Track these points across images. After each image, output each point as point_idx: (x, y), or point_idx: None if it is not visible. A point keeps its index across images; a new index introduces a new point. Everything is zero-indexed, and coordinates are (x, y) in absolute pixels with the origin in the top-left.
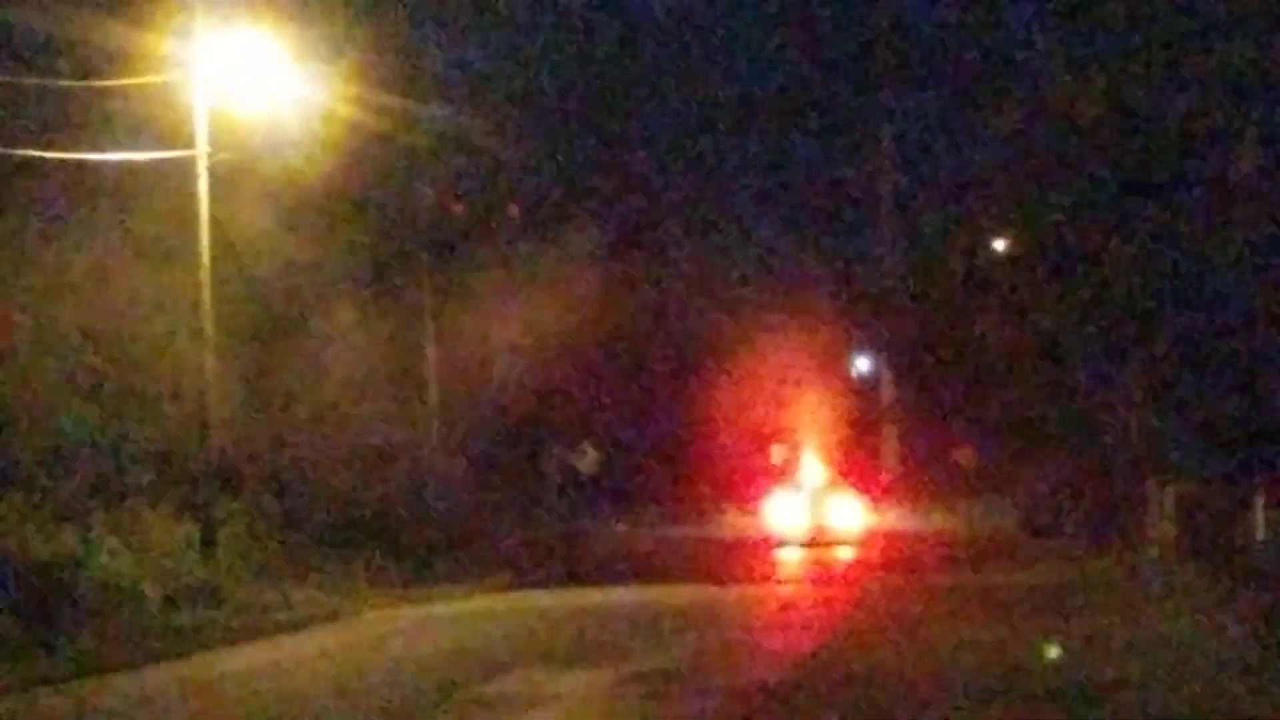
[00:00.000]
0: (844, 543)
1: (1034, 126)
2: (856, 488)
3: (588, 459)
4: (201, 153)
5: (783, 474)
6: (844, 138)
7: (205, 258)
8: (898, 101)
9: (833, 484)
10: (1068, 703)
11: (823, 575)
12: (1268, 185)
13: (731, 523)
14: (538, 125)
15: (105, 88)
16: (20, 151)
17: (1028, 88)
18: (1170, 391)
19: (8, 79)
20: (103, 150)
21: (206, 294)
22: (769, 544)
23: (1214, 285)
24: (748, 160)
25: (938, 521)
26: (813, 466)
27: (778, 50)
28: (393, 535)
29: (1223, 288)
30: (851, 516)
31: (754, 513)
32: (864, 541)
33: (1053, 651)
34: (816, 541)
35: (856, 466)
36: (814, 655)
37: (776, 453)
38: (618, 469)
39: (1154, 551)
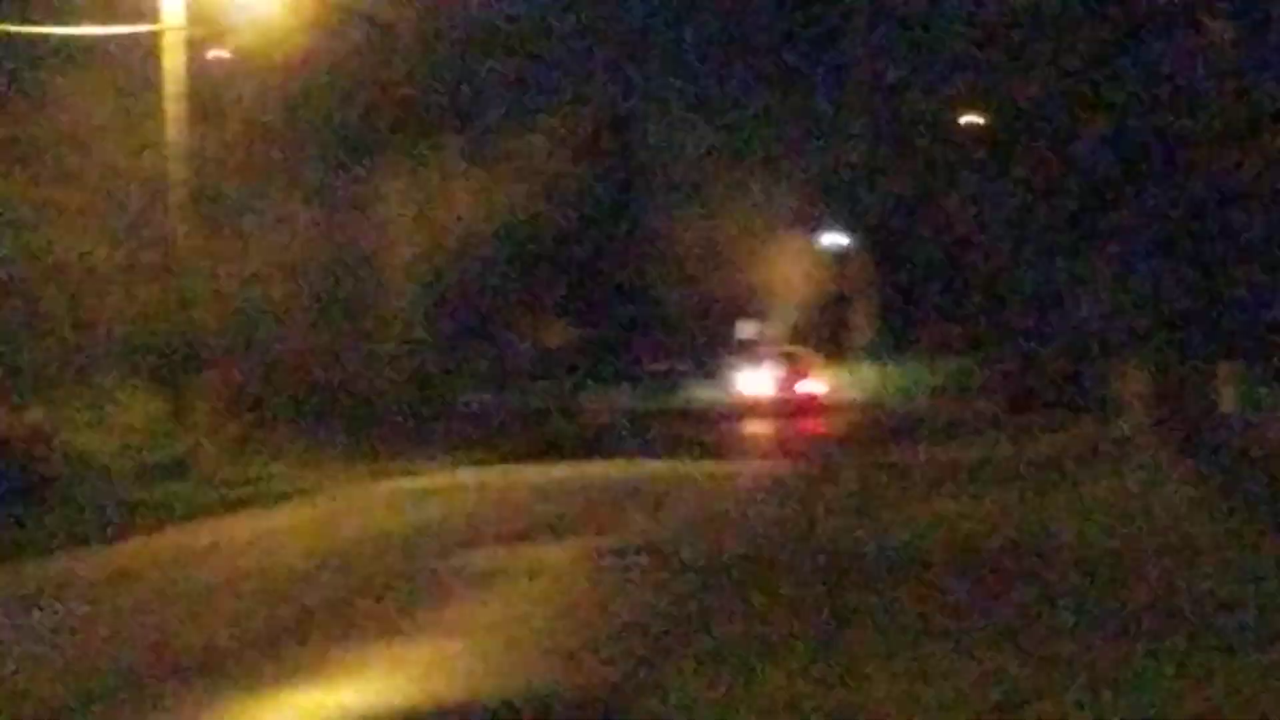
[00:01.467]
0: (809, 413)
1: (1005, 3)
2: (818, 362)
3: (555, 332)
4: (171, 26)
5: (749, 347)
6: (814, 13)
7: (175, 133)
8: None
9: (796, 356)
10: (1026, 572)
11: (796, 450)
12: (1238, 62)
13: (700, 395)
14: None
15: None
16: None
17: None
18: (1139, 268)
19: None
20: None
21: (177, 169)
22: (736, 415)
23: (1181, 162)
24: (717, 36)
25: (909, 396)
26: (776, 340)
27: None
28: (365, 410)
29: (1189, 164)
30: (815, 388)
31: (722, 385)
32: (833, 414)
33: (1009, 522)
34: (780, 412)
35: (824, 340)
36: (780, 527)
37: (742, 327)
38: (586, 342)
39: (1124, 425)
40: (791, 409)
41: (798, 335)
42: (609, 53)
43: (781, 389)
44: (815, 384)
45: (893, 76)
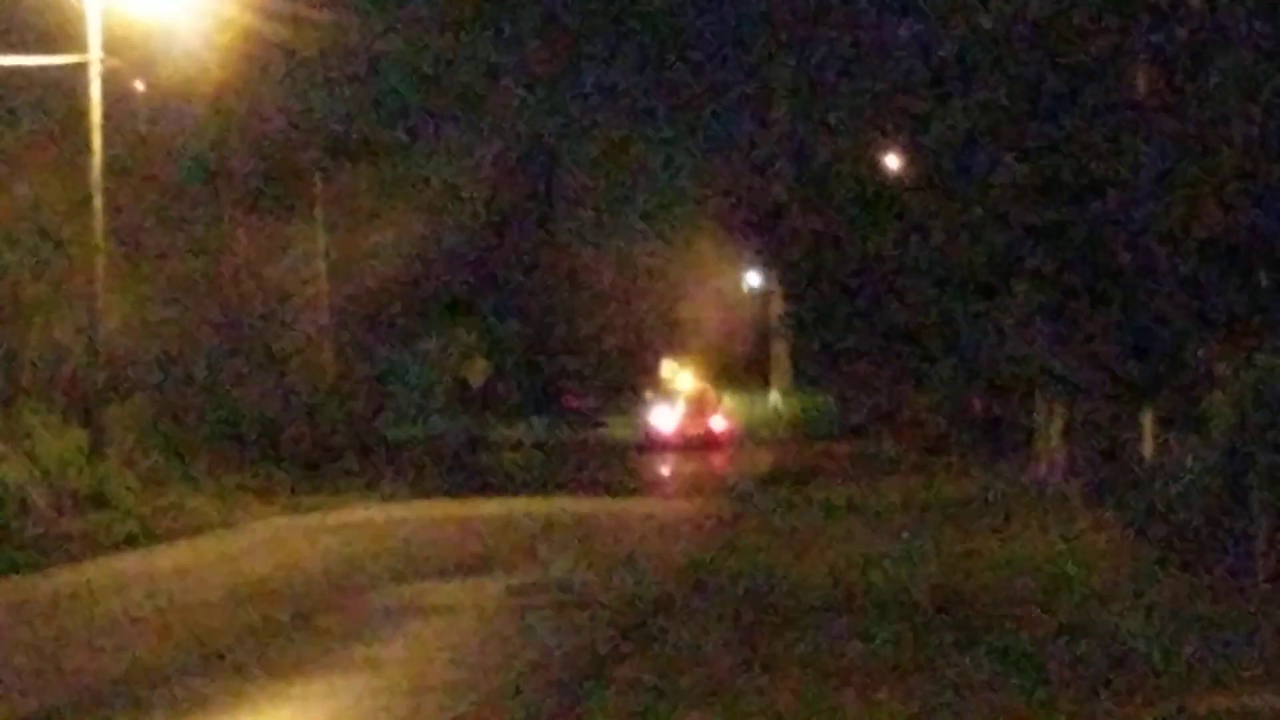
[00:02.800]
0: (713, 449)
1: (929, 44)
2: (718, 400)
3: (477, 369)
4: (94, 58)
5: (667, 385)
6: (737, 53)
7: (97, 164)
8: (791, 17)
9: (705, 395)
10: (929, 615)
11: (708, 487)
12: (1160, 106)
13: (617, 432)
14: (440, 39)
15: None
16: None
17: (922, 2)
18: (1061, 311)
19: None
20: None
21: (98, 200)
22: (647, 449)
23: (1106, 206)
24: (642, 76)
25: (826, 437)
26: (687, 377)
27: None
28: (284, 443)
29: (1114, 208)
30: (718, 425)
31: (639, 422)
32: (738, 452)
33: (925, 565)
34: (686, 448)
35: (745, 378)
36: (694, 568)
37: (666, 366)
38: (507, 379)
39: (1042, 469)
40: (696, 445)
41: (712, 373)
42: (530, 86)
43: (687, 426)
44: (718, 421)
45: (815, 115)
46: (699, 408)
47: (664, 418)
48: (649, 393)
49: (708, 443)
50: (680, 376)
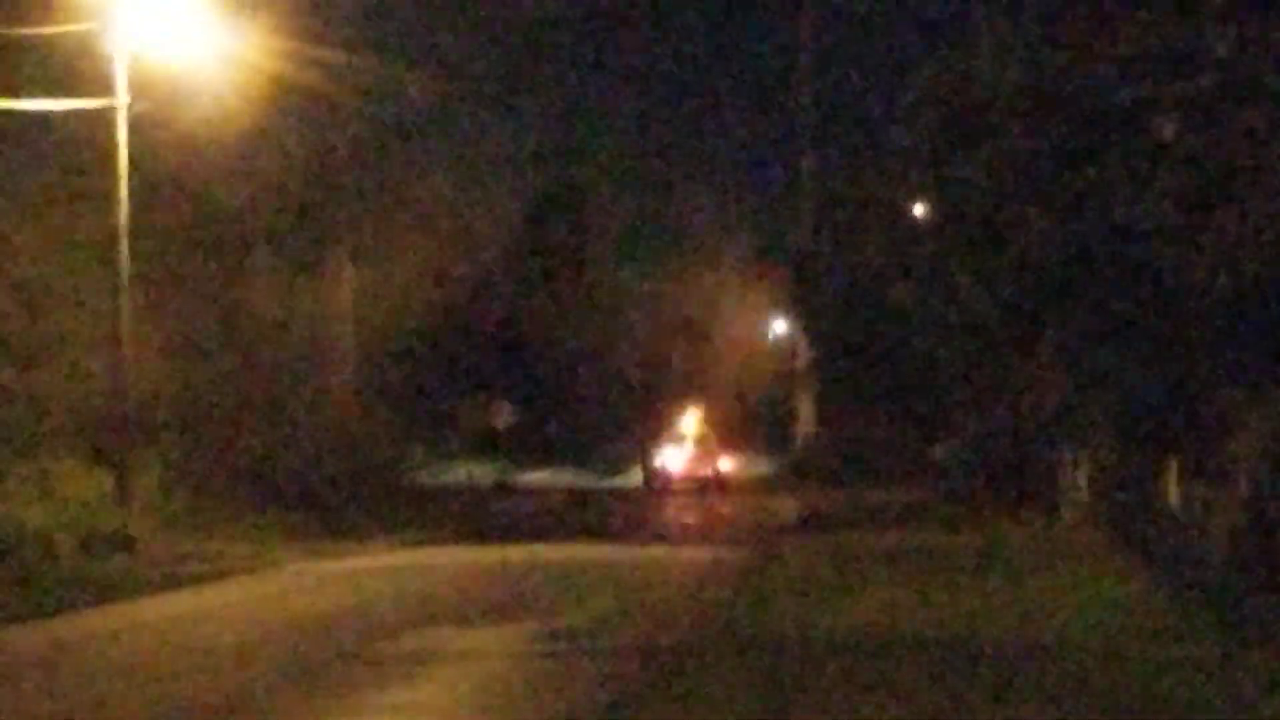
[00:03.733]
0: (722, 489)
1: (955, 94)
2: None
3: (503, 414)
4: (121, 102)
5: (687, 433)
6: (766, 102)
7: (123, 206)
8: (819, 67)
9: (709, 438)
10: (964, 663)
11: (730, 534)
12: (1186, 155)
13: (639, 477)
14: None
15: (25, 36)
16: None
17: (948, 55)
18: (1086, 361)
19: None
20: (19, 98)
21: (124, 243)
22: (656, 490)
23: (1133, 255)
24: (671, 125)
25: (852, 485)
26: (692, 421)
27: (703, 14)
28: (308, 487)
29: (1141, 258)
30: (723, 467)
31: (648, 463)
32: (767, 497)
33: (951, 614)
34: (698, 486)
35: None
36: (718, 615)
37: (690, 416)
38: (532, 424)
39: (1067, 517)
40: (703, 485)
41: (734, 418)
42: (559, 128)
43: (694, 467)
44: (725, 462)
45: (843, 163)
46: (705, 449)
47: (673, 459)
48: (658, 437)
49: (715, 483)
50: (686, 420)
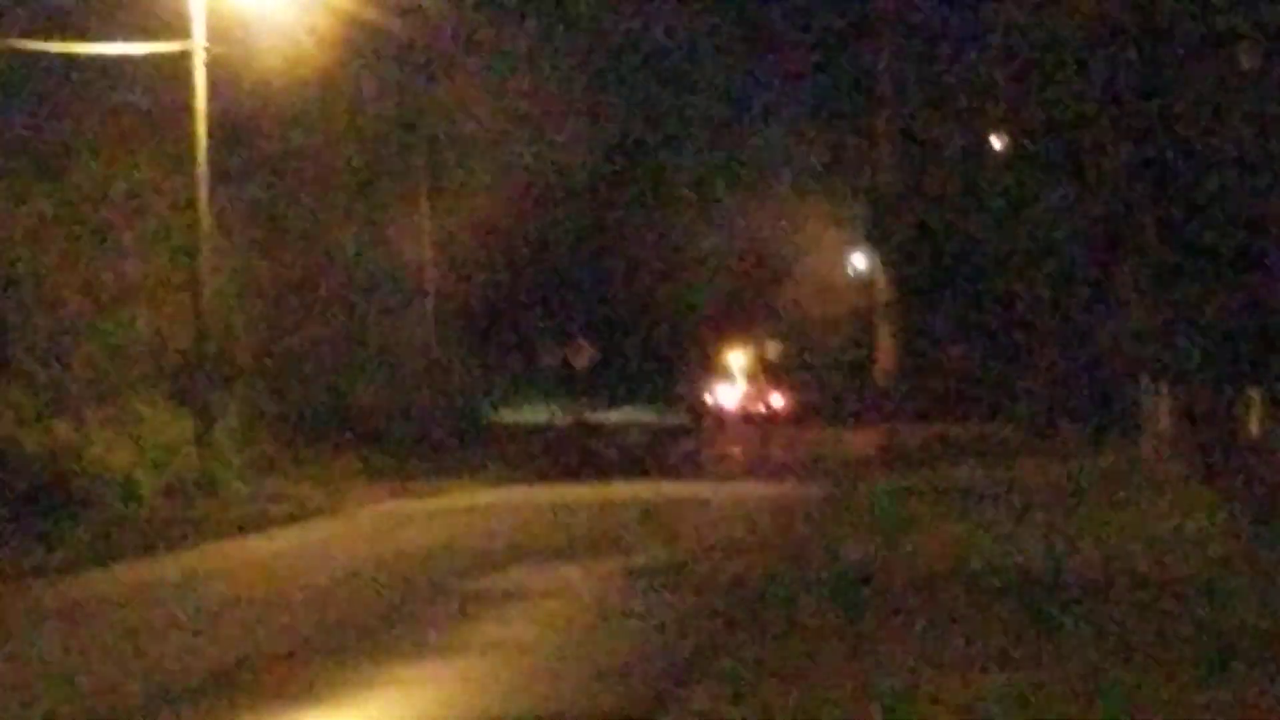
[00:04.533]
0: (775, 422)
1: (1033, 23)
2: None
3: (583, 354)
4: (198, 46)
5: (738, 371)
6: (843, 37)
7: (201, 151)
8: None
9: (760, 376)
10: (1048, 597)
11: (812, 470)
12: (1268, 85)
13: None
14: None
15: None
16: (18, 42)
17: None
18: (1166, 291)
19: None
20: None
21: (203, 188)
22: (713, 425)
23: (1212, 185)
24: (748, 56)
25: (933, 420)
26: (744, 359)
27: None
28: (390, 428)
29: (1221, 188)
30: (776, 403)
31: (702, 401)
32: (844, 434)
33: (1033, 546)
34: (751, 420)
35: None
36: (800, 551)
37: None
38: (610, 363)
39: (1148, 449)
40: (758, 419)
41: (815, 355)
42: (633, 67)
43: (748, 402)
44: (776, 398)
45: (921, 97)
46: (758, 386)
47: (728, 395)
48: (710, 374)
49: (769, 417)
50: (737, 358)
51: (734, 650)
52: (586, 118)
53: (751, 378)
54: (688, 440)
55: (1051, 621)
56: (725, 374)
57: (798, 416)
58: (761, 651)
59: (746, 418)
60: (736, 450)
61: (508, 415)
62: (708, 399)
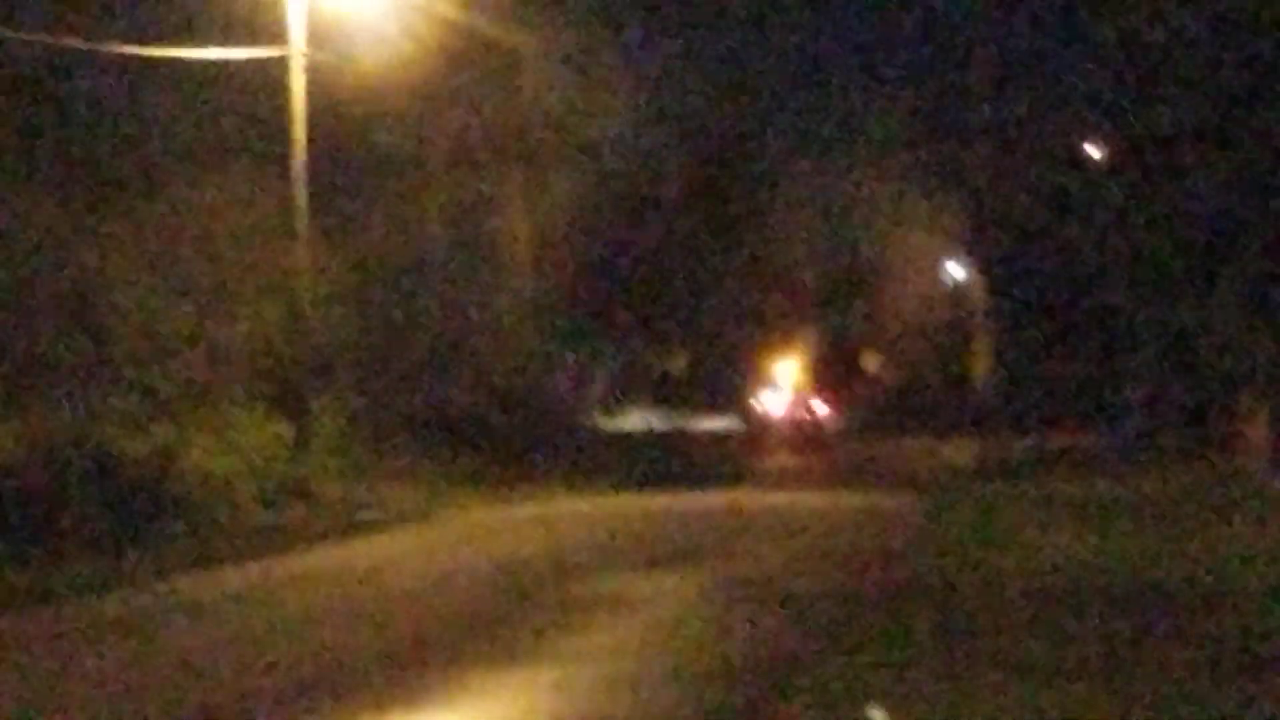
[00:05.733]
0: (819, 428)
1: (1134, 36)
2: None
3: (678, 361)
4: (296, 51)
5: (785, 381)
6: (943, 41)
7: (299, 156)
8: (1000, 8)
9: (804, 386)
10: (1138, 612)
11: (901, 481)
12: None
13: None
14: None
15: None
16: (118, 48)
17: None
18: (1264, 303)
19: None
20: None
21: (300, 192)
22: (760, 433)
23: None
24: (846, 63)
25: (1030, 431)
26: (790, 371)
27: None
28: (485, 434)
29: None
30: (820, 411)
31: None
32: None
33: (1133, 561)
34: (797, 428)
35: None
36: (893, 563)
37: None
38: (706, 371)
39: (1248, 463)
40: (803, 426)
41: (908, 367)
42: (730, 73)
43: (793, 411)
44: (819, 406)
45: (1018, 107)
46: (802, 396)
47: (774, 403)
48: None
49: (813, 424)
50: (784, 370)
51: (823, 663)
52: (684, 125)
53: (797, 387)
54: (744, 448)
55: (1148, 636)
56: (775, 381)
57: (859, 426)
58: (852, 666)
59: (793, 425)
60: (788, 460)
61: (604, 421)
62: (755, 406)
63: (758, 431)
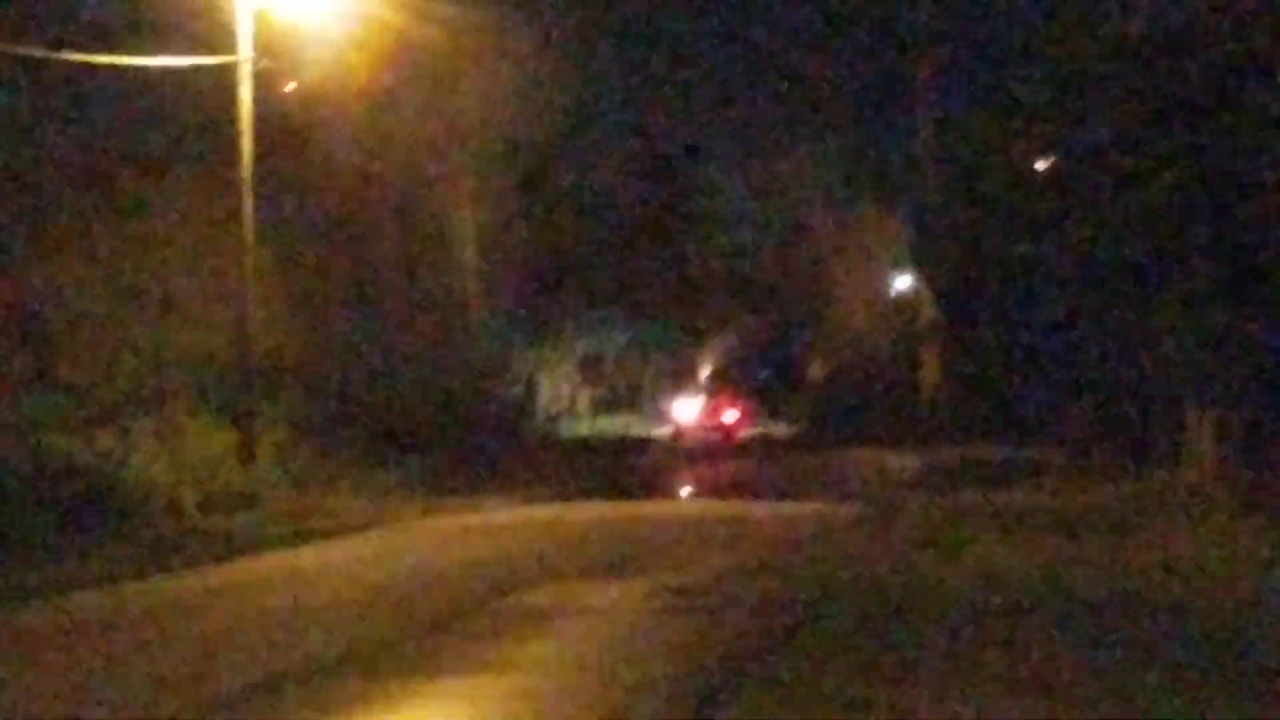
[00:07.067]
0: (729, 438)
1: (1077, 46)
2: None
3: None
4: (244, 58)
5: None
6: (884, 56)
7: (246, 164)
8: (940, 21)
9: (721, 393)
10: (1079, 621)
11: (845, 491)
12: None
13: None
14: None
15: None
16: (64, 55)
17: (1071, 8)
18: (1210, 316)
19: None
20: (145, 55)
21: (247, 201)
22: (675, 440)
23: (1255, 209)
24: (790, 78)
25: (975, 442)
26: (709, 376)
27: None
28: (432, 442)
29: (1266, 211)
30: (730, 418)
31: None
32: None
33: (1072, 571)
34: (707, 436)
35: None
36: (835, 571)
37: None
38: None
39: (1192, 475)
40: (712, 434)
41: (851, 377)
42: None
43: (704, 419)
44: (730, 414)
45: (964, 118)
46: (716, 404)
47: (686, 410)
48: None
49: (723, 433)
50: (704, 374)
51: (766, 671)
52: (624, 133)
53: (713, 394)
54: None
55: (1093, 646)
56: (692, 387)
57: (805, 434)
58: (793, 672)
59: (703, 433)
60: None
61: (550, 427)
62: (673, 414)
63: (679, 439)
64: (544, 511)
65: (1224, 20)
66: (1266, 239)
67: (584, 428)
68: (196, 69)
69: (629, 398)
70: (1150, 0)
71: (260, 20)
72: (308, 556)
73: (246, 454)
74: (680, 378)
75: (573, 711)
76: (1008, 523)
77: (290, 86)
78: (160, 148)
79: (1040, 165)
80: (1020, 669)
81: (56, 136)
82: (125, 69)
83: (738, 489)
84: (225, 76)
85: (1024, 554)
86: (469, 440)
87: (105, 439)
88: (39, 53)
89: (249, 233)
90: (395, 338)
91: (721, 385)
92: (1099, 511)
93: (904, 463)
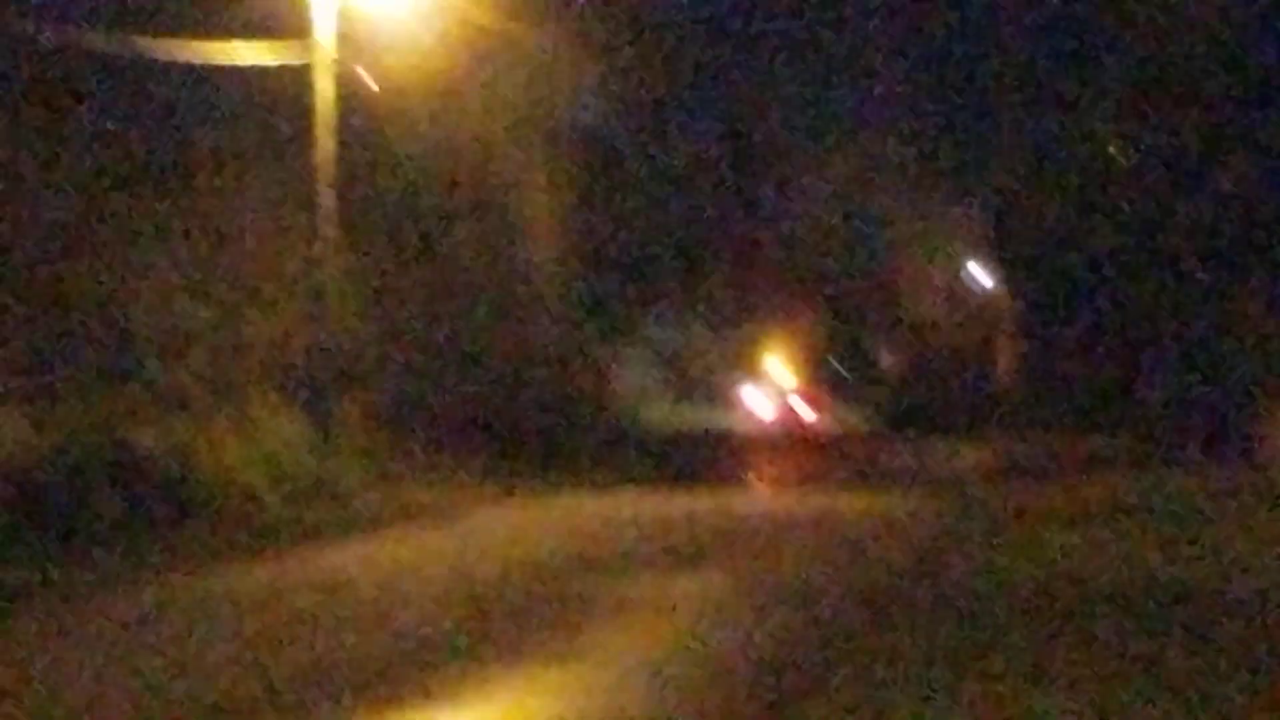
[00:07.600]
0: (808, 433)
1: (1158, 38)
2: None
3: (704, 356)
4: (324, 55)
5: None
6: (965, 47)
7: (325, 158)
8: (1019, 12)
9: (800, 390)
10: (1158, 615)
11: (921, 481)
12: None
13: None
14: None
15: None
16: (144, 47)
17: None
18: None
19: None
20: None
21: (326, 194)
22: (752, 437)
23: None
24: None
25: (1053, 433)
26: (787, 374)
27: None
28: (512, 431)
29: None
30: (806, 415)
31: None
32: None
33: (1153, 563)
34: (786, 432)
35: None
36: (914, 564)
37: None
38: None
39: (1270, 467)
40: (789, 428)
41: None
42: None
43: (781, 411)
44: (807, 411)
45: (1042, 110)
46: (792, 395)
47: (762, 401)
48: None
49: (799, 424)
50: (781, 372)
51: (845, 665)
52: (698, 123)
53: (789, 391)
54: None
55: (1172, 639)
56: (768, 379)
57: (878, 426)
58: (879, 667)
59: (782, 429)
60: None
61: (631, 417)
62: (748, 405)
63: (756, 430)
64: (624, 501)
65: None
66: None
67: (660, 419)
68: (283, 64)
69: (705, 389)
70: None
71: (343, 15)
72: (385, 546)
73: (324, 444)
74: (756, 369)
75: (648, 703)
76: (1087, 513)
77: (369, 82)
78: (238, 140)
79: (1117, 155)
80: (1095, 660)
81: (135, 130)
82: (209, 63)
83: (817, 480)
84: (303, 68)
85: (1101, 549)
86: (546, 431)
87: (181, 429)
88: (119, 45)
89: (328, 225)
90: (471, 329)
91: (797, 376)
92: (1177, 503)
93: (979, 455)
